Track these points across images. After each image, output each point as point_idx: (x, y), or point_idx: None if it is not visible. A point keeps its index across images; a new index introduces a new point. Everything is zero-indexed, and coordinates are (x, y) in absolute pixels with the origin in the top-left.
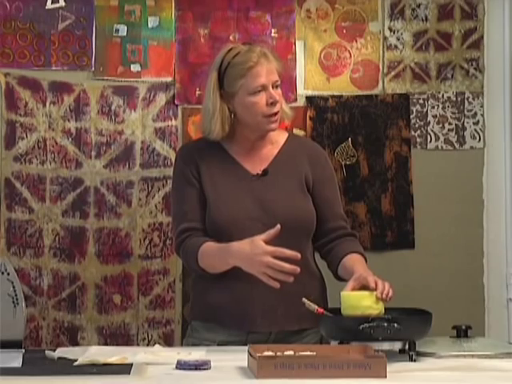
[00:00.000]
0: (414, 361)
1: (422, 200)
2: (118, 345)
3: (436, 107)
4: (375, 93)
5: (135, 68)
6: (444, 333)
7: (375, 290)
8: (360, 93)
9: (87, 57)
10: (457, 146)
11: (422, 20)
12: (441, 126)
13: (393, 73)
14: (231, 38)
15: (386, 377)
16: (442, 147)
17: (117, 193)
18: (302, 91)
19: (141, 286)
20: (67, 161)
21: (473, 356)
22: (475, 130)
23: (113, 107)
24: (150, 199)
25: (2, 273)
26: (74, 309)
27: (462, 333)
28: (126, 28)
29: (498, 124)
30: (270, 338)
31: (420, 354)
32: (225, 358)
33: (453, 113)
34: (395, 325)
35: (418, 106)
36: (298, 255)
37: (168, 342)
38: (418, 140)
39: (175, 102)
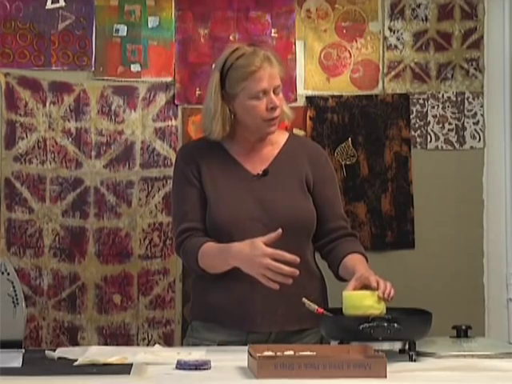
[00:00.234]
0: (414, 361)
1: (422, 200)
2: (118, 345)
3: (436, 107)
4: (375, 93)
5: (135, 68)
6: (444, 333)
7: (377, 289)
8: (360, 93)
9: (87, 57)
10: (457, 146)
11: (422, 20)
12: (441, 125)
13: (393, 73)
14: (231, 37)
15: (385, 377)
16: (441, 147)
17: (117, 193)
18: (302, 91)
19: (141, 286)
20: (67, 161)
21: (473, 356)
22: (475, 130)
23: (113, 107)
24: (150, 199)
25: (2, 273)
26: (74, 309)
27: (462, 333)
28: (125, 28)
29: (498, 124)
30: (270, 337)
31: (420, 354)
32: (225, 357)
33: (453, 113)
34: (395, 325)
35: (417, 106)
36: (297, 259)
37: (168, 342)
38: (418, 140)
39: (175, 102)
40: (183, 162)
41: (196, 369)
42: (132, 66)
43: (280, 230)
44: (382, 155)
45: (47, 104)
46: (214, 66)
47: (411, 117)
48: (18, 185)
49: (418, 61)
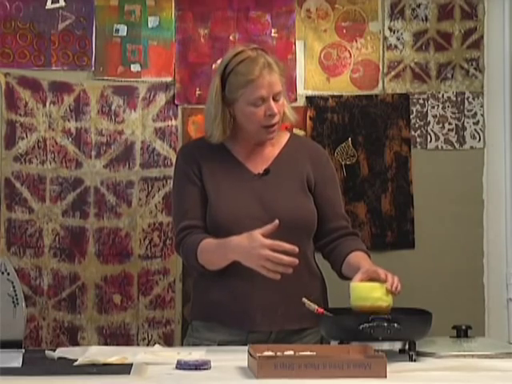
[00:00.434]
0: (414, 361)
1: (422, 200)
2: (118, 345)
3: (436, 107)
4: (375, 93)
5: (135, 68)
6: (444, 333)
7: (385, 282)
8: (360, 93)
9: (87, 57)
10: (457, 145)
11: (422, 20)
12: (441, 125)
13: (393, 73)
14: (231, 37)
15: (385, 377)
16: (442, 147)
17: (117, 193)
18: (302, 91)
19: (141, 285)
20: (67, 161)
21: (473, 356)
22: (475, 130)
23: (113, 107)
24: (150, 199)
25: (2, 273)
26: (74, 309)
27: (462, 333)
28: (125, 28)
29: (498, 124)
30: (270, 337)
31: (420, 354)
32: (225, 357)
33: (453, 113)
34: (395, 325)
35: (418, 106)
36: (296, 249)
37: (168, 342)
38: (418, 140)
39: (175, 101)
40: (184, 161)
41: (196, 369)
42: (132, 66)
43: (277, 221)
44: (381, 155)
45: (47, 104)
46: (214, 66)
47: (411, 117)
48: (18, 185)
49: (417, 61)
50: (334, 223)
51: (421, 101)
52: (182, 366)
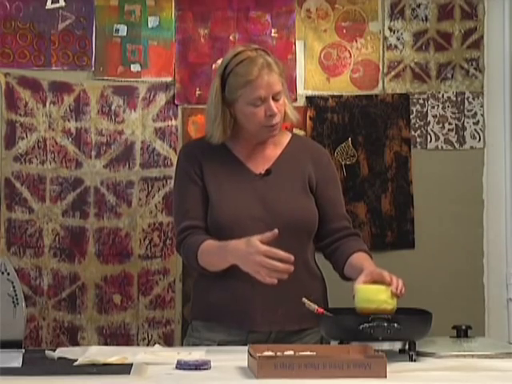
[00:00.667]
0: (414, 361)
1: (422, 200)
2: (118, 345)
3: (436, 107)
4: (375, 93)
5: (135, 68)
6: (444, 333)
7: (390, 284)
8: (360, 93)
9: (87, 57)
10: (457, 145)
11: (422, 20)
12: (441, 125)
13: (393, 73)
14: (231, 38)
15: (385, 377)
16: (442, 147)
17: (117, 193)
18: (302, 91)
19: (141, 285)
20: (67, 161)
21: (473, 356)
22: (475, 130)
23: (113, 107)
24: (150, 199)
25: (2, 273)
26: (74, 309)
27: (462, 333)
28: (125, 28)
29: (498, 124)
30: (270, 337)
31: (420, 354)
32: (225, 357)
33: (453, 113)
34: (395, 325)
35: (418, 106)
36: (292, 258)
37: (168, 342)
38: (418, 140)
39: (175, 101)
40: (185, 161)
41: (196, 369)
42: (132, 66)
43: (276, 231)
44: (382, 155)
45: (47, 104)
46: (214, 66)
47: (411, 117)
48: (18, 185)
49: (418, 61)
50: (335, 223)
51: (421, 101)
52: (181, 365)
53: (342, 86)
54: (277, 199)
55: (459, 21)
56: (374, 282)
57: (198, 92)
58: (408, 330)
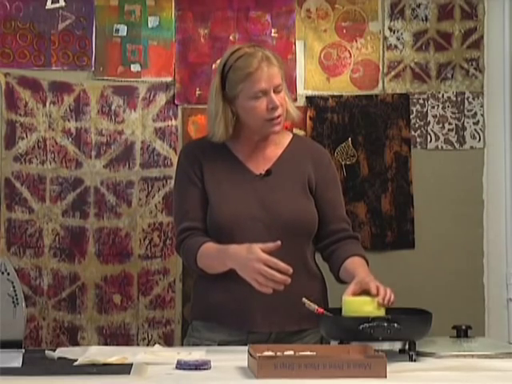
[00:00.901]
0: (414, 361)
1: (422, 200)
2: (118, 345)
3: (436, 107)
4: (375, 93)
5: (135, 68)
6: (444, 333)
7: (376, 296)
8: (360, 93)
9: (87, 57)
10: (457, 145)
11: (422, 20)
12: (441, 125)
13: (393, 73)
14: (231, 38)
15: (385, 377)
16: (442, 147)
17: (117, 193)
18: (302, 91)
19: (141, 285)
20: (67, 161)
21: (473, 356)
22: (475, 130)
23: (113, 107)
24: (150, 199)
25: (2, 273)
26: (74, 309)
27: (462, 333)
28: (125, 28)
29: (498, 124)
30: (270, 338)
31: (420, 354)
32: (225, 357)
33: (453, 113)
34: (395, 325)
35: (418, 106)
36: (290, 270)
37: (168, 342)
38: (418, 140)
39: (175, 101)
40: (186, 161)
41: (196, 369)
42: (132, 66)
43: (279, 242)
44: (382, 155)
45: (47, 104)
46: (214, 66)
47: (411, 117)
48: (18, 185)
49: (418, 61)
50: (334, 225)
51: (421, 101)
52: (181, 365)
53: (342, 86)
54: (276, 200)
55: (459, 21)
56: (364, 291)
57: (198, 92)
58: (408, 330)
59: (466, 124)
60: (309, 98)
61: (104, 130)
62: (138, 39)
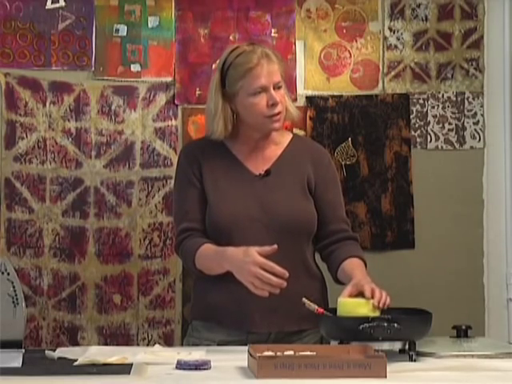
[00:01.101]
0: (414, 361)
1: (422, 200)
2: (118, 345)
3: (436, 107)
4: (375, 93)
5: (135, 68)
6: (444, 333)
7: (371, 298)
8: (360, 93)
9: (87, 57)
10: (457, 145)
11: (422, 20)
12: (441, 125)
13: (393, 73)
14: (231, 38)
15: (385, 377)
16: (441, 147)
17: (117, 193)
18: (302, 91)
19: (141, 285)
20: (67, 161)
21: (473, 356)
22: (475, 130)
23: (113, 107)
24: (150, 199)
25: (2, 273)
26: (74, 309)
27: (462, 333)
28: (125, 28)
29: (498, 124)
30: (269, 338)
31: (420, 354)
32: (225, 357)
33: (453, 113)
34: (395, 325)
35: (418, 106)
36: (286, 274)
37: (168, 342)
38: (418, 140)
39: (175, 101)
40: (185, 162)
41: (196, 369)
42: (132, 66)
43: (275, 246)
44: (381, 155)
45: (47, 104)
46: (214, 66)
47: (411, 117)
48: (17, 185)
49: (418, 61)
50: (333, 226)
51: (421, 101)
52: (181, 365)
53: (342, 85)
54: (275, 200)
55: (459, 21)
56: (360, 293)
57: (197, 92)
58: (408, 330)
59: (466, 124)
60: (309, 98)
61: (104, 130)
62: (137, 39)
